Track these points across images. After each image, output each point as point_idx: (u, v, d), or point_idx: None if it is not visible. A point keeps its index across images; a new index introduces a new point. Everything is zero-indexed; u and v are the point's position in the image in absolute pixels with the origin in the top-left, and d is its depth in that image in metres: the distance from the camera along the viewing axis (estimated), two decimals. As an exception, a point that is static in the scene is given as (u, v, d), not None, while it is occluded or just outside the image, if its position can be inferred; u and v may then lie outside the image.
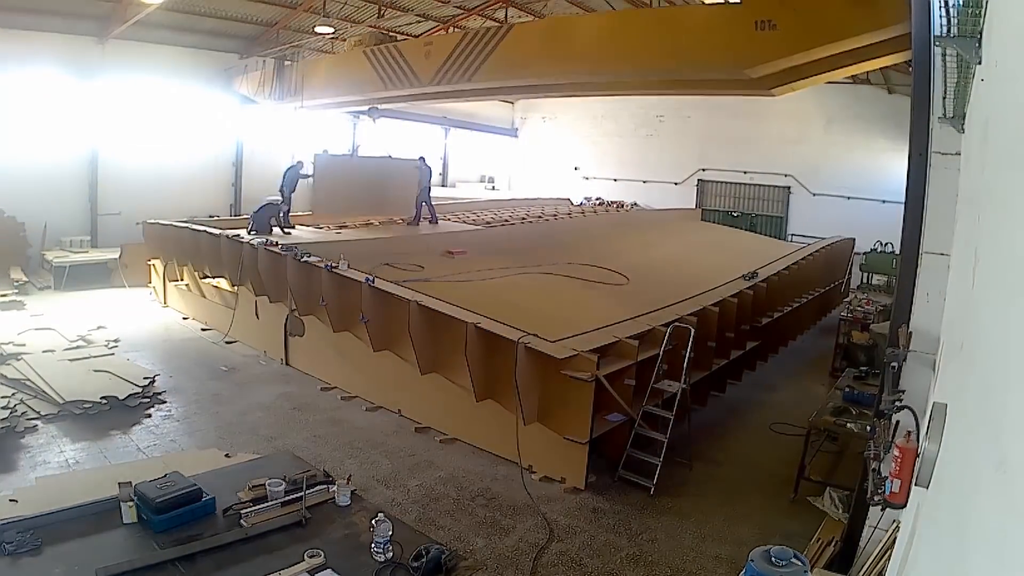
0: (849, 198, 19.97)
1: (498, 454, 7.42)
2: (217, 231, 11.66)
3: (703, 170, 23.28)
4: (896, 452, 3.25)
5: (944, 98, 4.01)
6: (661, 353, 7.43)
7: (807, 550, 5.35)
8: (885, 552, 4.19)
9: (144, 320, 12.23)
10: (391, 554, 3.65)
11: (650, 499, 6.77)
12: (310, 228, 13.33)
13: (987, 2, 2.38)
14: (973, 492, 1.59)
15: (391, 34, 18.72)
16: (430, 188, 14.35)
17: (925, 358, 4.44)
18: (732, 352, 9.69)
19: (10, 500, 5.22)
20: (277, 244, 10.42)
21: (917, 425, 3.58)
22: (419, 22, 18.41)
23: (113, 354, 9.64)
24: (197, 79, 17.24)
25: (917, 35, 4.54)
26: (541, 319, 7.82)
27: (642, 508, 6.60)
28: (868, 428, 4.65)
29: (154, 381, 8.77)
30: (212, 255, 11.46)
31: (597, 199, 24.20)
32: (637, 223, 18.76)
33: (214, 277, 11.80)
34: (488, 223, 15.83)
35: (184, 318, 12.55)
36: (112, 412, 7.83)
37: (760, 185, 22.15)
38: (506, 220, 16.70)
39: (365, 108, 17.87)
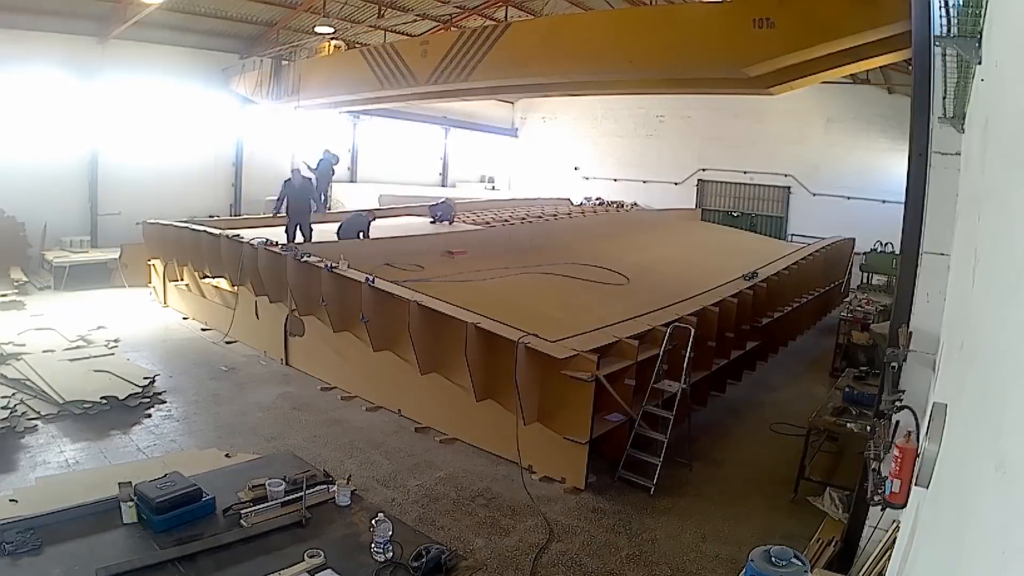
0: (849, 198, 19.97)
1: (498, 454, 7.42)
2: (217, 231, 11.66)
3: (703, 170, 23.28)
4: (896, 452, 3.25)
5: (944, 98, 4.01)
6: (661, 353, 7.44)
7: (807, 550, 5.35)
8: (885, 552, 4.19)
9: (144, 320, 12.23)
10: (391, 554, 3.65)
11: (650, 499, 6.76)
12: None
13: (987, 2, 2.38)
14: (973, 492, 1.59)
15: (390, 32, 18.75)
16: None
17: (925, 358, 4.44)
18: (732, 352, 9.69)
19: (10, 500, 5.23)
20: (277, 244, 10.42)
21: (917, 425, 3.58)
22: (419, 22, 18.40)
23: (113, 354, 9.64)
24: (197, 79, 17.24)
25: (917, 35, 4.54)
26: (541, 319, 7.83)
27: (642, 508, 6.59)
28: (868, 428, 4.66)
29: (154, 381, 8.77)
30: (212, 255, 11.46)
31: (597, 199, 24.20)
32: (637, 223, 18.76)
33: (214, 277, 11.80)
34: (488, 223, 15.84)
35: (184, 318, 12.55)
36: (112, 412, 7.83)
37: (760, 185, 22.15)
38: (506, 220, 16.70)
39: (363, 108, 17.86)
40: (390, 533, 3.70)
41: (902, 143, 5.27)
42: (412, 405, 8.40)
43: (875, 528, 4.85)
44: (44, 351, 9.38)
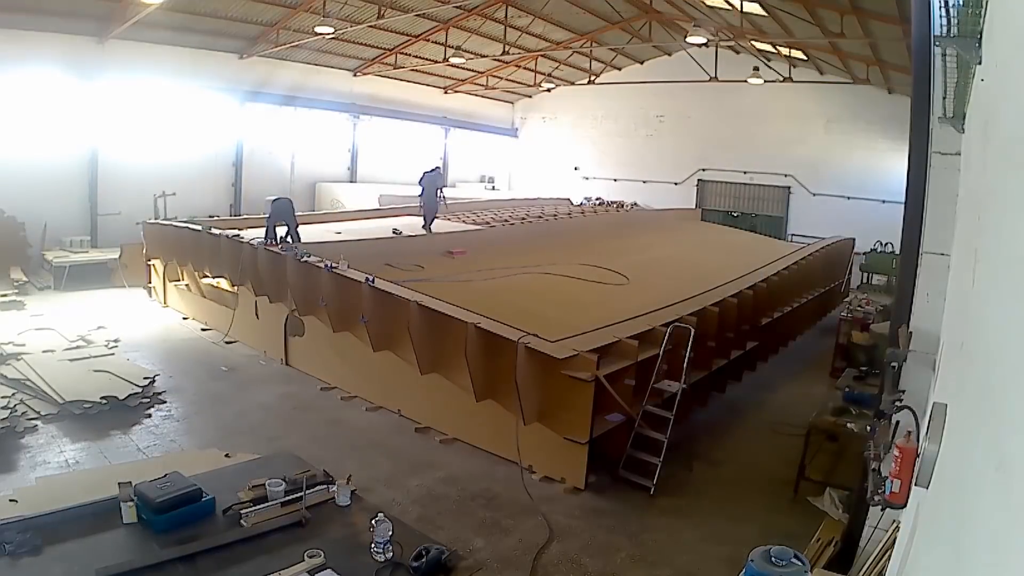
0: (849, 198, 19.98)
1: (498, 454, 7.42)
2: (217, 231, 11.66)
3: (703, 170, 23.29)
4: (896, 452, 3.25)
5: (944, 98, 4.01)
6: (661, 353, 7.43)
7: (807, 550, 5.35)
8: (885, 552, 4.19)
9: (144, 320, 12.23)
10: (391, 554, 3.65)
11: (650, 499, 6.77)
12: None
13: (987, 2, 2.38)
14: (973, 492, 1.59)
15: (390, 32, 18.76)
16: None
17: (925, 358, 4.44)
18: (732, 352, 9.69)
19: (10, 500, 5.22)
20: (277, 244, 10.42)
21: (917, 425, 3.58)
22: (419, 22, 18.40)
23: (113, 354, 9.64)
24: (197, 79, 17.23)
25: (917, 35, 4.54)
26: (541, 319, 7.83)
27: (642, 508, 6.60)
28: (868, 428, 4.66)
29: (154, 381, 8.77)
30: (212, 255, 11.45)
31: (597, 199, 24.21)
32: (637, 223, 18.77)
33: (214, 277, 11.80)
34: (488, 223, 15.84)
35: (184, 318, 12.55)
36: (112, 412, 7.83)
37: (760, 185, 22.16)
38: (506, 220, 16.69)
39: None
40: (390, 533, 3.70)
41: (902, 143, 5.27)
42: (412, 405, 8.40)
43: (875, 528, 4.85)
44: (44, 351, 9.38)
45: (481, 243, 13.11)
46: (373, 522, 3.77)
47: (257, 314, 10.67)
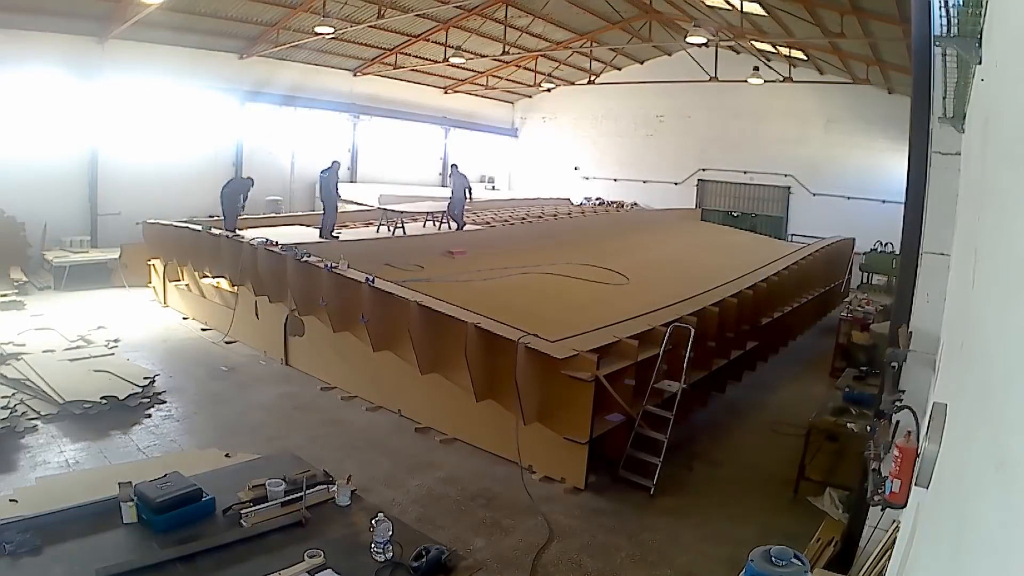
0: (849, 198, 19.98)
1: (498, 454, 7.42)
2: (217, 231, 11.66)
3: (703, 170, 23.29)
4: (896, 452, 3.25)
5: (944, 98, 4.01)
6: (661, 353, 7.43)
7: (807, 550, 5.34)
8: (885, 552, 4.19)
9: (144, 320, 12.22)
10: (391, 554, 3.65)
11: (650, 499, 6.76)
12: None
13: (987, 2, 2.38)
14: (973, 492, 1.59)
15: (390, 32, 18.76)
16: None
17: (925, 358, 4.44)
18: (732, 352, 9.69)
19: (10, 500, 5.23)
20: (277, 244, 10.42)
21: (917, 425, 3.58)
22: (419, 21, 18.40)
23: (113, 354, 9.63)
24: (197, 79, 17.23)
25: (917, 35, 4.54)
26: (541, 319, 7.83)
27: (642, 508, 6.59)
28: (868, 428, 4.65)
29: (154, 381, 8.77)
30: (212, 255, 11.46)
31: (597, 199, 24.23)
32: (637, 223, 18.78)
33: (214, 277, 11.80)
34: (488, 223, 15.84)
35: (184, 318, 12.55)
36: (112, 412, 7.83)
37: (760, 185, 22.16)
38: (506, 220, 16.70)
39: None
40: (390, 533, 3.70)
41: (902, 143, 5.27)
42: (412, 405, 8.40)
43: (875, 528, 4.84)
44: (44, 351, 9.38)
45: (481, 243, 13.12)
46: (373, 522, 3.77)
47: (257, 314, 10.67)
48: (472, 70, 23.40)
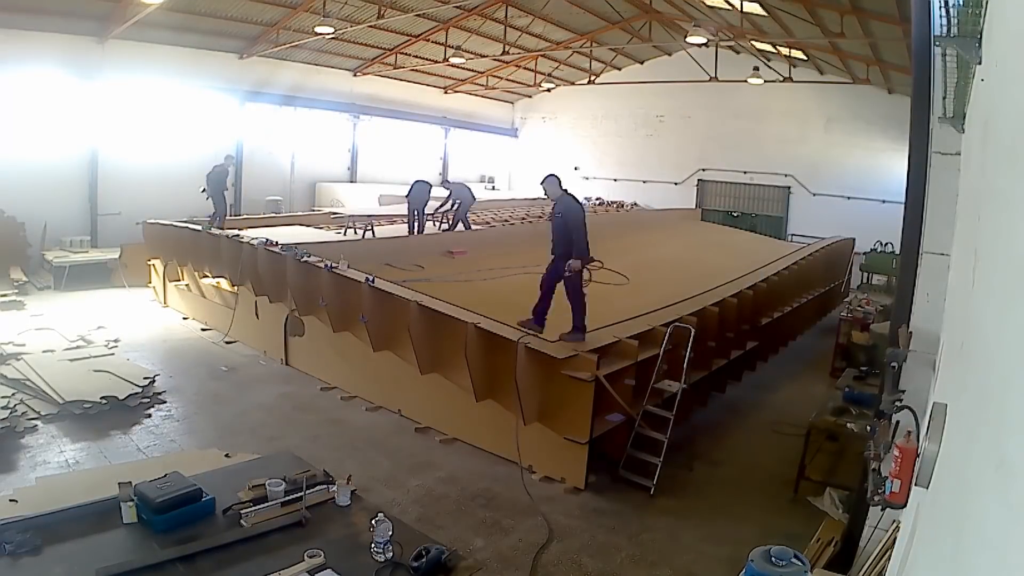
0: (849, 198, 19.98)
1: (498, 454, 7.42)
2: (217, 231, 11.66)
3: (703, 170, 23.29)
4: (896, 452, 3.25)
5: (944, 98, 4.01)
6: (661, 353, 7.44)
7: (807, 550, 5.34)
8: (885, 552, 4.19)
9: (144, 320, 12.23)
10: (391, 554, 3.65)
11: (650, 499, 6.76)
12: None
13: (987, 2, 2.38)
14: (973, 492, 1.59)
15: (390, 32, 18.75)
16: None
17: (925, 358, 4.43)
18: (732, 352, 9.69)
19: (10, 500, 5.22)
20: (277, 244, 10.43)
21: (917, 425, 3.58)
22: (419, 21, 18.40)
23: (113, 354, 9.64)
24: (197, 79, 17.23)
25: (917, 35, 4.54)
26: (541, 319, 7.81)
27: (642, 508, 6.60)
28: (868, 428, 4.65)
29: (154, 381, 8.77)
30: (212, 255, 11.46)
31: (597, 199, 24.22)
32: (637, 223, 18.77)
33: (214, 277, 11.80)
34: (488, 223, 15.84)
35: (184, 318, 12.55)
36: (112, 412, 7.83)
37: (760, 185, 22.16)
38: (506, 220, 16.70)
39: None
40: (390, 533, 3.69)
41: (902, 143, 5.27)
42: (412, 405, 8.40)
43: (875, 528, 4.84)
44: (44, 351, 9.38)
45: (481, 243, 13.11)
46: (373, 522, 3.77)
47: (257, 314, 10.67)
48: (472, 70, 23.41)
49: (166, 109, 16.96)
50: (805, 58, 18.71)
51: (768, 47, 18.79)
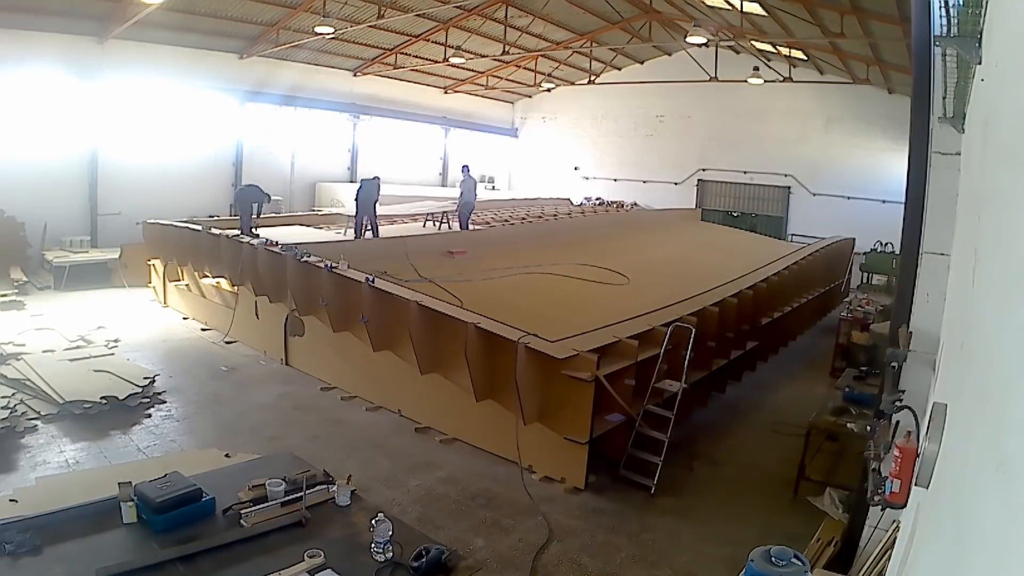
0: (849, 198, 19.98)
1: (498, 454, 7.42)
2: (217, 231, 11.66)
3: (703, 170, 23.29)
4: (896, 452, 3.25)
5: (944, 98, 4.01)
6: (662, 353, 7.44)
7: (807, 550, 5.34)
8: (885, 552, 4.19)
9: (144, 320, 12.22)
10: (391, 554, 3.65)
11: (650, 499, 6.77)
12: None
13: (987, 2, 2.37)
14: (973, 492, 1.59)
15: (390, 32, 18.75)
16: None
17: (925, 358, 4.44)
18: (732, 352, 9.69)
19: (10, 500, 5.23)
20: (277, 244, 10.43)
21: (917, 425, 3.58)
22: (419, 21, 18.40)
23: (113, 354, 9.63)
24: (197, 79, 17.24)
25: (917, 35, 4.54)
26: (541, 319, 7.83)
27: (642, 508, 6.60)
28: (868, 428, 4.65)
29: (154, 381, 8.77)
30: (212, 255, 11.46)
31: (597, 199, 24.22)
32: (637, 223, 18.77)
33: (214, 277, 11.80)
34: (488, 223, 15.84)
35: (184, 318, 12.55)
36: (112, 412, 7.83)
37: (760, 185, 22.16)
38: (506, 220, 16.70)
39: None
40: (390, 533, 3.70)
41: (902, 143, 5.27)
42: (412, 405, 8.40)
43: (875, 528, 4.85)
44: (44, 351, 9.38)
45: (481, 243, 13.11)
46: (373, 522, 3.77)
47: (257, 314, 10.67)
48: (472, 70, 23.41)
49: (166, 109, 16.96)
50: (805, 58, 18.71)
51: (768, 47, 18.79)
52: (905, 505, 3.34)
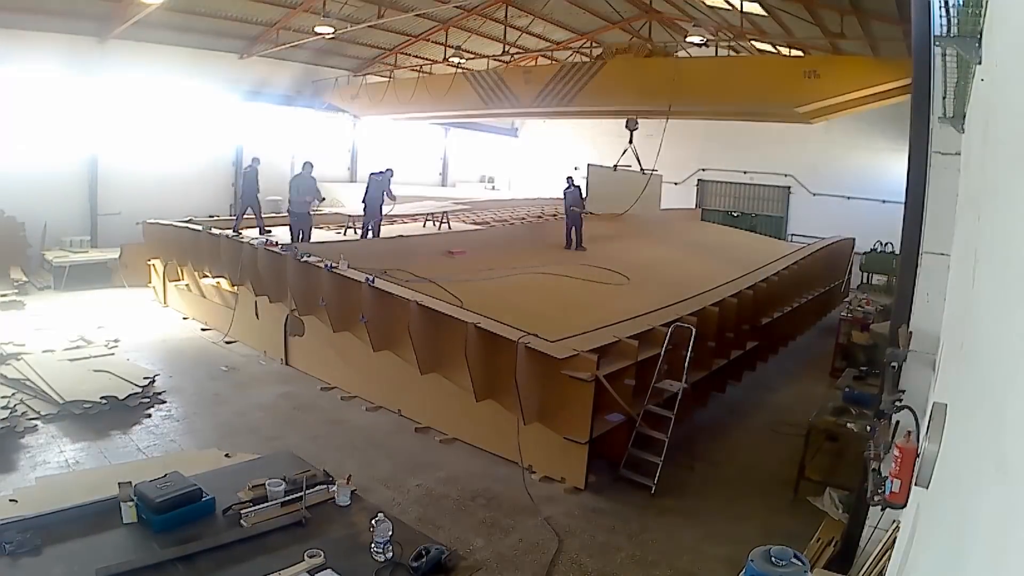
0: (849, 198, 19.97)
1: (498, 454, 7.42)
2: (217, 231, 11.66)
3: (703, 170, 23.27)
4: (896, 452, 3.25)
5: (944, 98, 4.01)
6: (662, 353, 7.44)
7: (807, 550, 5.35)
8: (885, 552, 4.19)
9: (144, 320, 12.22)
10: (391, 554, 3.65)
11: (650, 499, 6.77)
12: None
13: (987, 2, 2.37)
14: (973, 492, 1.59)
15: (390, 32, 18.73)
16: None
17: (925, 358, 4.44)
18: (732, 352, 9.69)
19: (10, 500, 5.23)
20: (277, 244, 10.42)
21: (917, 425, 3.58)
22: (419, 21, 18.40)
23: (113, 354, 9.64)
24: (197, 79, 17.24)
25: (917, 35, 4.54)
26: (541, 319, 7.82)
27: (642, 508, 6.60)
28: (868, 428, 4.65)
29: (154, 381, 8.77)
30: (212, 255, 11.46)
31: (597, 199, 24.13)
32: (637, 223, 18.74)
33: (214, 277, 11.80)
34: (488, 223, 15.84)
35: (184, 318, 12.55)
36: (112, 412, 7.83)
37: (760, 185, 22.14)
38: (506, 220, 16.70)
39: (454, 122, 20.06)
40: (390, 533, 3.69)
41: (902, 143, 5.26)
42: (412, 405, 8.40)
43: (875, 528, 4.85)
44: (44, 351, 9.37)
45: (481, 243, 13.11)
46: (373, 522, 3.77)
47: (257, 314, 10.67)
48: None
49: (166, 109, 16.97)
50: (805, 58, 18.68)
51: (768, 47, 18.77)
52: (905, 505, 3.34)
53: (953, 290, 3.77)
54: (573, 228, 14.11)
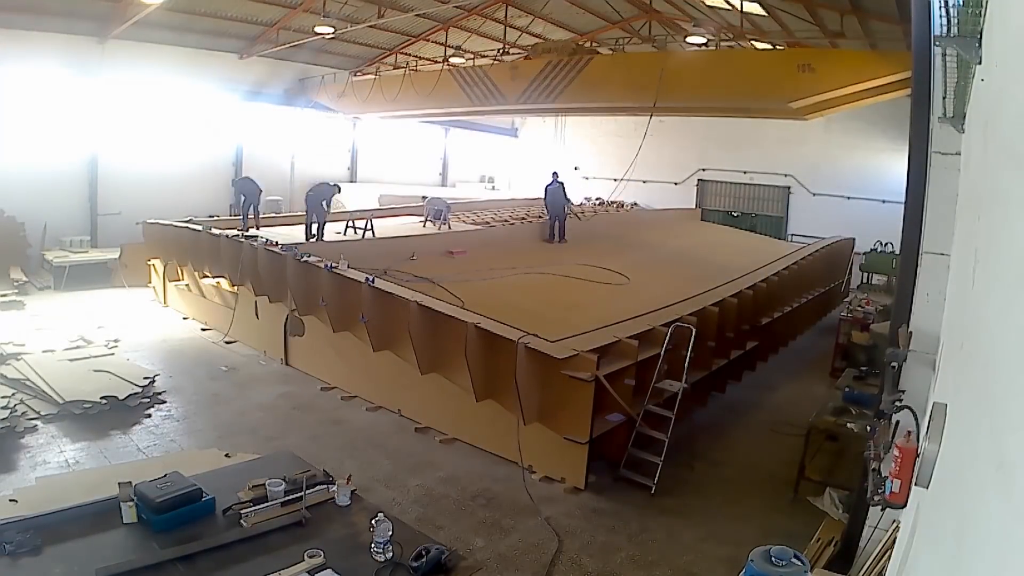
0: (849, 198, 19.96)
1: (498, 454, 7.42)
2: (217, 231, 11.66)
3: (703, 170, 23.27)
4: (896, 452, 3.25)
5: (944, 98, 4.01)
6: (663, 353, 7.43)
7: (807, 550, 5.35)
8: (885, 552, 4.19)
9: (144, 320, 12.22)
10: (391, 554, 3.65)
11: (650, 499, 6.77)
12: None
13: (987, 2, 2.37)
14: (973, 492, 1.59)
15: (390, 32, 18.73)
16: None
17: (925, 358, 4.44)
18: (732, 352, 9.69)
19: (10, 500, 5.23)
20: (277, 244, 10.42)
21: (917, 425, 3.58)
22: (419, 21, 18.40)
23: (113, 354, 9.63)
24: (197, 79, 17.24)
25: (917, 35, 4.54)
26: (541, 319, 7.83)
27: (642, 508, 6.59)
28: (868, 428, 4.65)
29: (154, 381, 8.77)
30: (212, 255, 11.45)
31: (597, 199, 24.19)
32: (637, 223, 18.76)
33: (214, 277, 11.80)
34: (488, 223, 15.84)
35: (184, 318, 12.55)
36: (112, 412, 7.83)
37: (760, 185, 22.15)
38: (506, 220, 16.70)
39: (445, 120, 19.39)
40: (390, 533, 3.69)
41: (902, 143, 5.27)
42: (412, 405, 8.40)
43: (875, 528, 4.85)
44: (44, 351, 9.38)
45: (481, 243, 13.11)
46: (373, 522, 3.77)
47: (257, 314, 10.67)
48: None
49: (166, 109, 16.98)
50: (805, 58, 18.68)
51: (768, 47, 18.77)
52: (905, 505, 3.34)
53: (953, 290, 3.77)
54: (556, 221, 14.41)
